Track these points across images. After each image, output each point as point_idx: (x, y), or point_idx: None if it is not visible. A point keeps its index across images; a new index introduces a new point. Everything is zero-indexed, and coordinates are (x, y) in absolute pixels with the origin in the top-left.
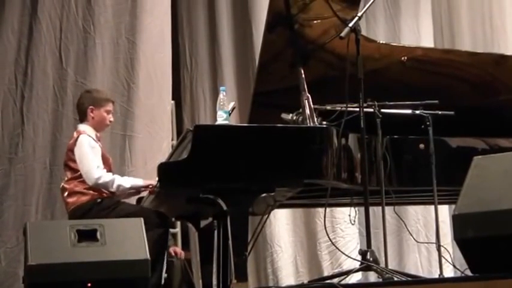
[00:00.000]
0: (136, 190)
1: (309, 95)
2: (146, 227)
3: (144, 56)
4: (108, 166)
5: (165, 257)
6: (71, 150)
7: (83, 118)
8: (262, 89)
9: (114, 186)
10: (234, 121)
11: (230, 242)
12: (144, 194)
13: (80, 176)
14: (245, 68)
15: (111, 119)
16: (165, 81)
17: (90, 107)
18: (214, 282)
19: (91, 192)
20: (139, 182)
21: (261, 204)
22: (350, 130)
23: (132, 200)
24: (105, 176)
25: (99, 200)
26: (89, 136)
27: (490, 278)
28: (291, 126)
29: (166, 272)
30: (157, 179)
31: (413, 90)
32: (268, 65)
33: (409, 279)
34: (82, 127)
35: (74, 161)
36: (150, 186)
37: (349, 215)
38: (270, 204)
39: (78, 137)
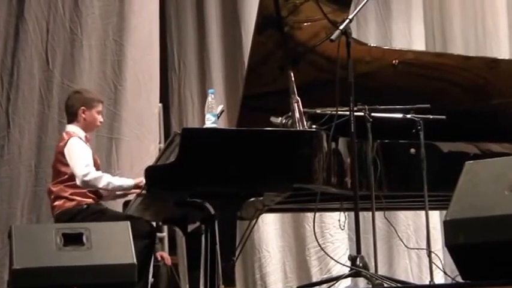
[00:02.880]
0: (126, 192)
1: (299, 98)
2: (133, 236)
3: (132, 58)
4: (96, 167)
5: (151, 264)
6: (60, 152)
7: (72, 119)
8: (251, 92)
9: (103, 183)
10: (222, 124)
11: (218, 246)
12: (131, 197)
13: (67, 179)
14: (234, 71)
15: (101, 120)
16: (152, 84)
17: (82, 107)
18: (202, 287)
19: (77, 198)
20: (129, 181)
21: (249, 208)
22: (340, 134)
23: (119, 203)
24: (93, 173)
25: (85, 206)
26: (80, 138)
27: (481, 284)
28: (280, 130)
29: (152, 277)
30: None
31: (405, 94)
32: (258, 68)
33: (399, 285)
34: (71, 128)
35: (63, 163)
36: (141, 184)
37: (339, 220)
38: (258, 209)
39: (68, 139)
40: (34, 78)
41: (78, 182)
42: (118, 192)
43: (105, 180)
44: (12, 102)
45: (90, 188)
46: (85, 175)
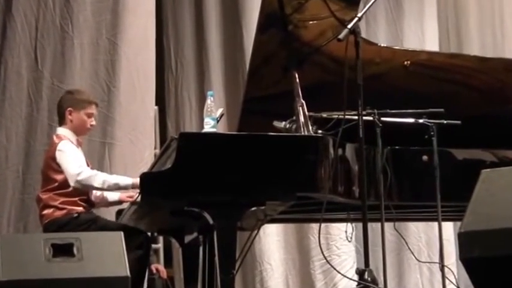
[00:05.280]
0: (120, 199)
1: (304, 102)
2: (126, 247)
3: (126, 57)
4: None
5: (146, 277)
6: (51, 157)
7: (62, 121)
8: (253, 95)
9: (99, 181)
10: (222, 129)
11: (216, 259)
12: (125, 205)
13: (57, 187)
14: (234, 72)
15: (93, 123)
16: (148, 85)
17: (69, 108)
18: None
19: (67, 207)
20: (127, 180)
21: (250, 218)
22: (348, 140)
23: (112, 213)
24: (86, 172)
25: (75, 215)
26: (71, 142)
27: None
28: (284, 135)
29: None
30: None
31: (417, 97)
32: (260, 69)
33: None
34: (62, 131)
35: (53, 169)
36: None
37: (346, 232)
38: (260, 219)
39: (59, 143)
40: (22, 79)
41: (71, 182)
42: (111, 200)
43: (100, 178)
44: None
45: (85, 187)
46: (78, 174)
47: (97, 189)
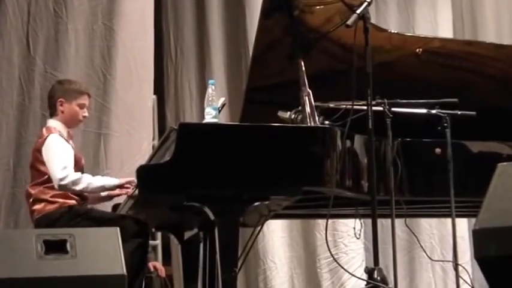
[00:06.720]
0: (110, 194)
1: (310, 91)
2: (123, 236)
3: (123, 44)
4: (80, 167)
5: (144, 272)
6: (38, 150)
7: (52, 112)
8: (257, 84)
9: (83, 185)
10: (223, 119)
11: (218, 256)
12: (121, 199)
13: (47, 180)
14: (237, 59)
15: (85, 114)
16: (146, 73)
17: (60, 99)
18: None
19: (59, 200)
20: (113, 181)
21: (254, 214)
22: (356, 131)
23: (108, 207)
24: (70, 176)
25: (68, 208)
26: (60, 136)
27: None
28: (289, 126)
29: None
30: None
31: (429, 86)
32: (264, 56)
33: None
34: (52, 123)
35: (42, 162)
36: (127, 186)
37: (354, 228)
38: (263, 214)
39: (47, 136)
40: (13, 66)
41: (55, 185)
42: (103, 194)
43: (85, 181)
44: None
45: (69, 191)
46: (62, 179)
47: (82, 197)
